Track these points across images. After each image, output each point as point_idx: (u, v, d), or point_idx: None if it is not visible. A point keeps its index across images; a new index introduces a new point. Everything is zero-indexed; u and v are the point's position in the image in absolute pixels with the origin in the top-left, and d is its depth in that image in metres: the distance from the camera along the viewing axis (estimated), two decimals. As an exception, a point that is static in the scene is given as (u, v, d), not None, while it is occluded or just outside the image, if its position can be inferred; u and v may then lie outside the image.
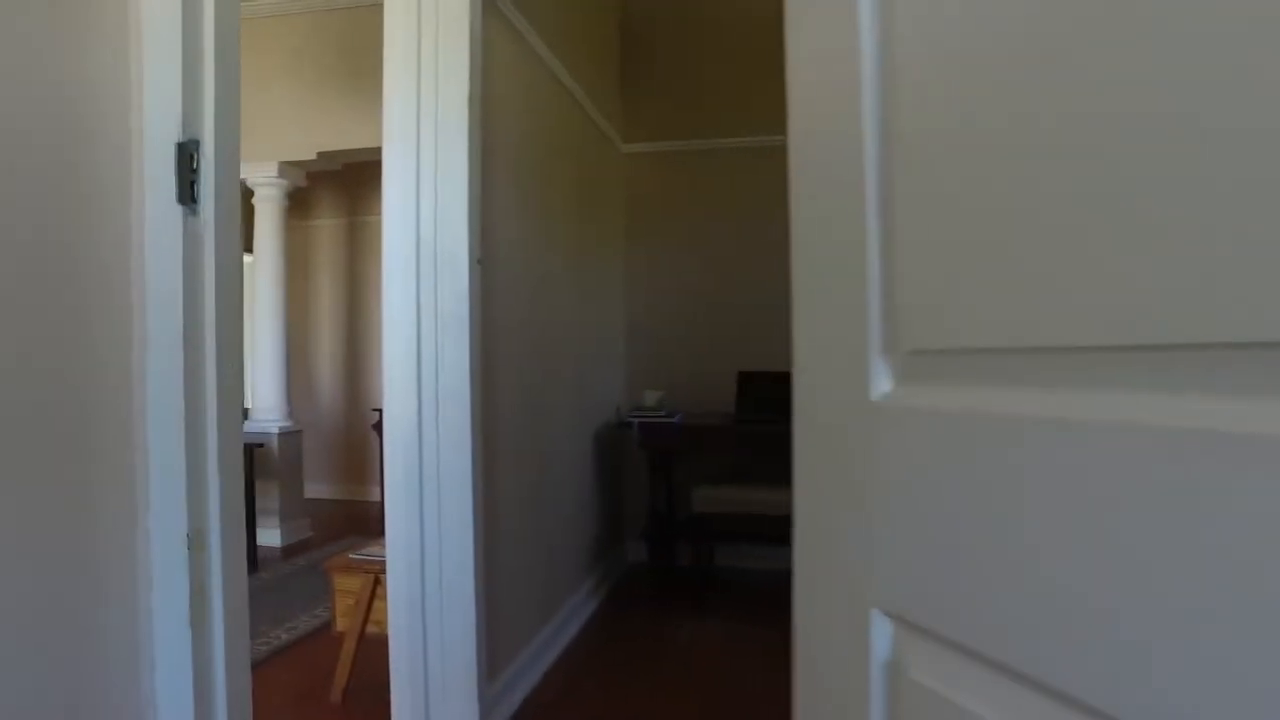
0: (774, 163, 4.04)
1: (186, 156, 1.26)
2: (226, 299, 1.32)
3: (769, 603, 3.95)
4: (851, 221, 0.72)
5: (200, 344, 1.28)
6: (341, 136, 5.13)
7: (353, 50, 5.08)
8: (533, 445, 3.13)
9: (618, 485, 4.64)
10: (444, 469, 2.37)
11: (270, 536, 5.21)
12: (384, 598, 2.75)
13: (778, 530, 3.99)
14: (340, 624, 2.94)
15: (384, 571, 2.70)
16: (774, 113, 3.89)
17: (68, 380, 1.17)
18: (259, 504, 5.13)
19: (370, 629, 2.84)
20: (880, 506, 0.69)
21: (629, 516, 4.75)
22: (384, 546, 2.81)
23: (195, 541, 1.24)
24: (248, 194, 5.57)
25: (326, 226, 7.08)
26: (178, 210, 1.25)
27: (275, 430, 5.24)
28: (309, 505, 5.85)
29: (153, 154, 1.25)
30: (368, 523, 5.93)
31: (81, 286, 1.20)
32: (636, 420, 4.06)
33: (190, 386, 1.26)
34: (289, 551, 5.08)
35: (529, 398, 3.07)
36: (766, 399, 4.31)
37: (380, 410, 3.20)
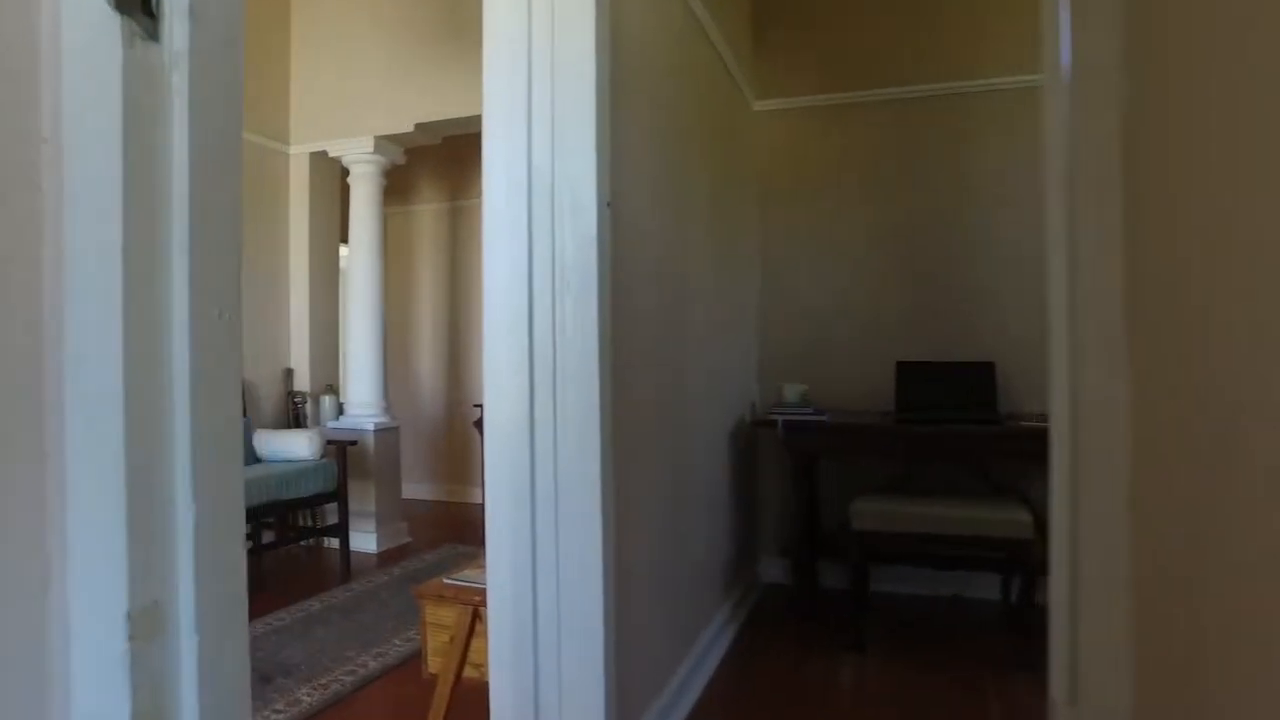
0: (953, 112, 3.29)
1: (134, -69, 0.70)
2: (214, 195, 0.75)
3: (941, 639, 3.23)
4: None
5: (159, 268, 0.71)
6: (440, 106, 4.68)
7: (452, 12, 4.62)
8: (668, 444, 2.53)
9: (752, 493, 3.99)
10: (564, 473, 1.79)
11: (365, 541, 4.80)
12: (485, 635, 2.22)
13: (955, 552, 3.27)
14: (432, 664, 2.42)
15: (486, 603, 2.16)
16: (952, 53, 3.05)
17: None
18: (353, 506, 4.74)
19: (468, 673, 2.30)
20: None
21: (763, 530, 4.10)
22: (485, 569, 2.27)
23: (144, 625, 0.68)
24: (342, 174, 5.20)
25: (427, 212, 6.70)
26: (115, 25, 0.69)
27: (371, 427, 4.83)
28: (407, 507, 5.45)
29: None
30: (470, 528, 5.48)
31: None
32: (781, 418, 3.40)
33: (138, 345, 0.69)
34: (385, 559, 4.66)
35: (663, 386, 2.47)
36: (934, 394, 3.59)
37: (482, 406, 2.66)
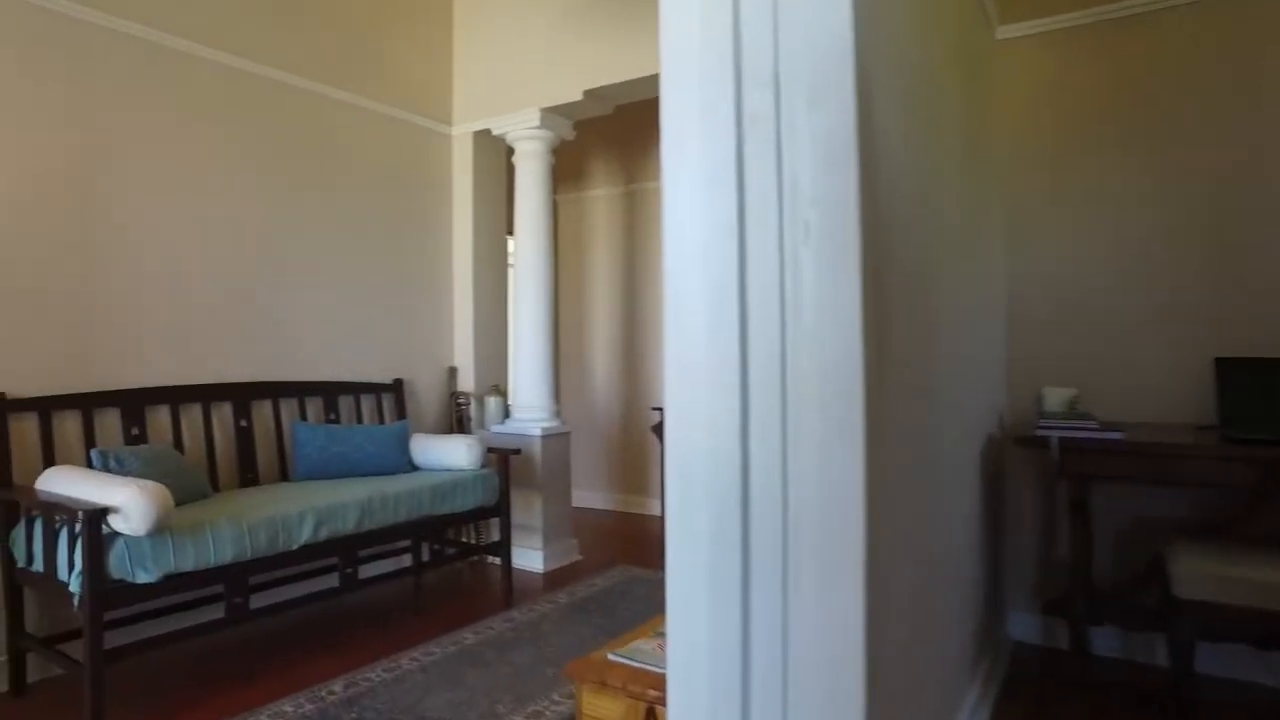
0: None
1: None
2: None
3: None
4: None
5: None
6: (611, 69, 4.12)
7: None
8: (918, 475, 1.77)
9: (999, 530, 3.11)
10: (800, 532, 1.10)
11: (530, 559, 4.33)
12: (665, 742, 1.56)
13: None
14: (594, 771, 1.81)
15: (664, 701, 1.51)
16: None
17: None
18: (518, 519, 4.28)
19: (642, 792, 1.66)
20: None
21: (1011, 575, 3.21)
22: (664, 641, 1.62)
23: None
24: (507, 152, 4.78)
25: (601, 197, 6.20)
26: None
27: (538, 432, 4.35)
28: (577, 517, 4.96)
29: None
30: (645, 544, 4.90)
31: None
32: (1054, 434, 2.53)
33: None
34: (551, 580, 4.15)
35: (917, 390, 1.72)
36: (1280, 403, 2.57)
37: (662, 409, 1.97)
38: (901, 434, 1.47)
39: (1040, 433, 2.58)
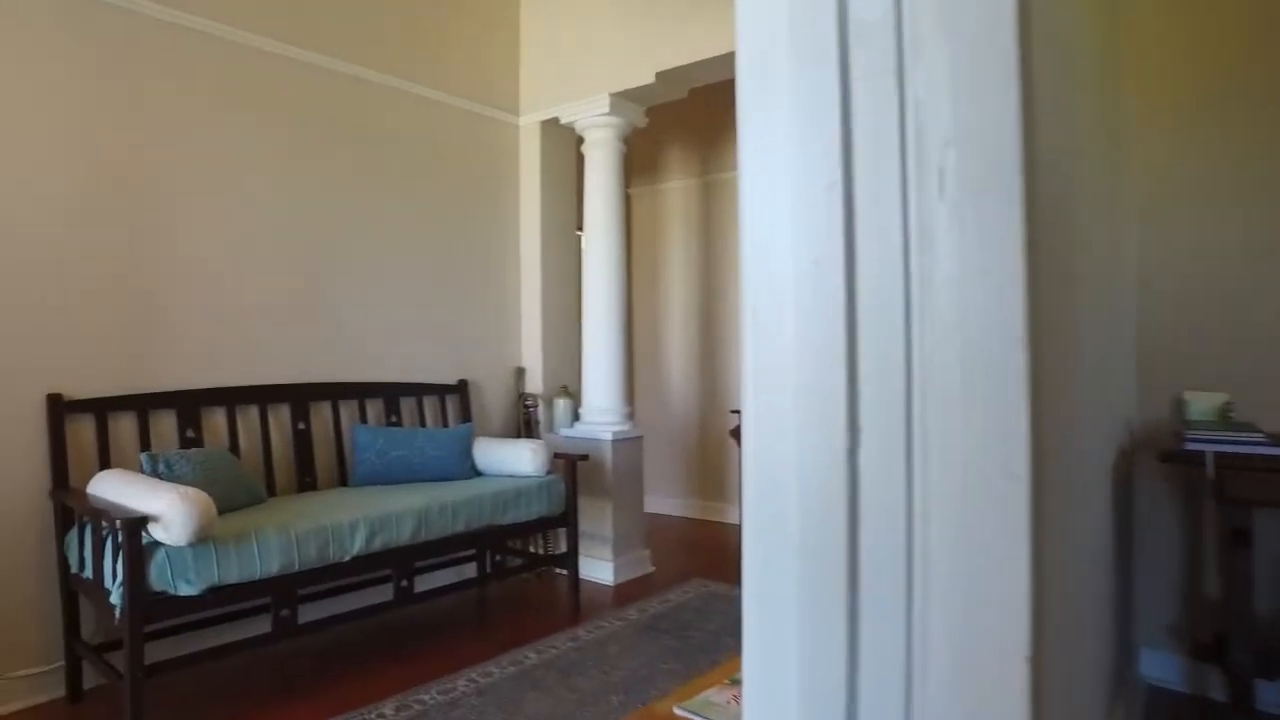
0: None
1: None
2: None
3: None
4: None
5: None
6: (684, 49, 3.85)
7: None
8: (1067, 496, 1.44)
9: (1128, 557, 2.71)
10: (930, 575, 0.79)
11: (599, 571, 4.09)
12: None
13: None
14: (659, 846, 1.55)
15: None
16: None
17: None
18: (587, 527, 4.05)
19: None
20: None
21: (1143, 608, 2.80)
22: (740, 691, 1.35)
23: None
24: (576, 142, 4.55)
25: (675, 189, 5.92)
26: None
27: (608, 436, 4.11)
28: (650, 524, 4.69)
29: None
30: (722, 556, 4.61)
31: None
32: (1209, 448, 2.13)
33: None
34: (621, 594, 3.91)
35: (1063, 392, 1.39)
36: None
37: (740, 412, 1.70)
38: (1054, 459, 1.15)
39: (1189, 446, 2.19)
